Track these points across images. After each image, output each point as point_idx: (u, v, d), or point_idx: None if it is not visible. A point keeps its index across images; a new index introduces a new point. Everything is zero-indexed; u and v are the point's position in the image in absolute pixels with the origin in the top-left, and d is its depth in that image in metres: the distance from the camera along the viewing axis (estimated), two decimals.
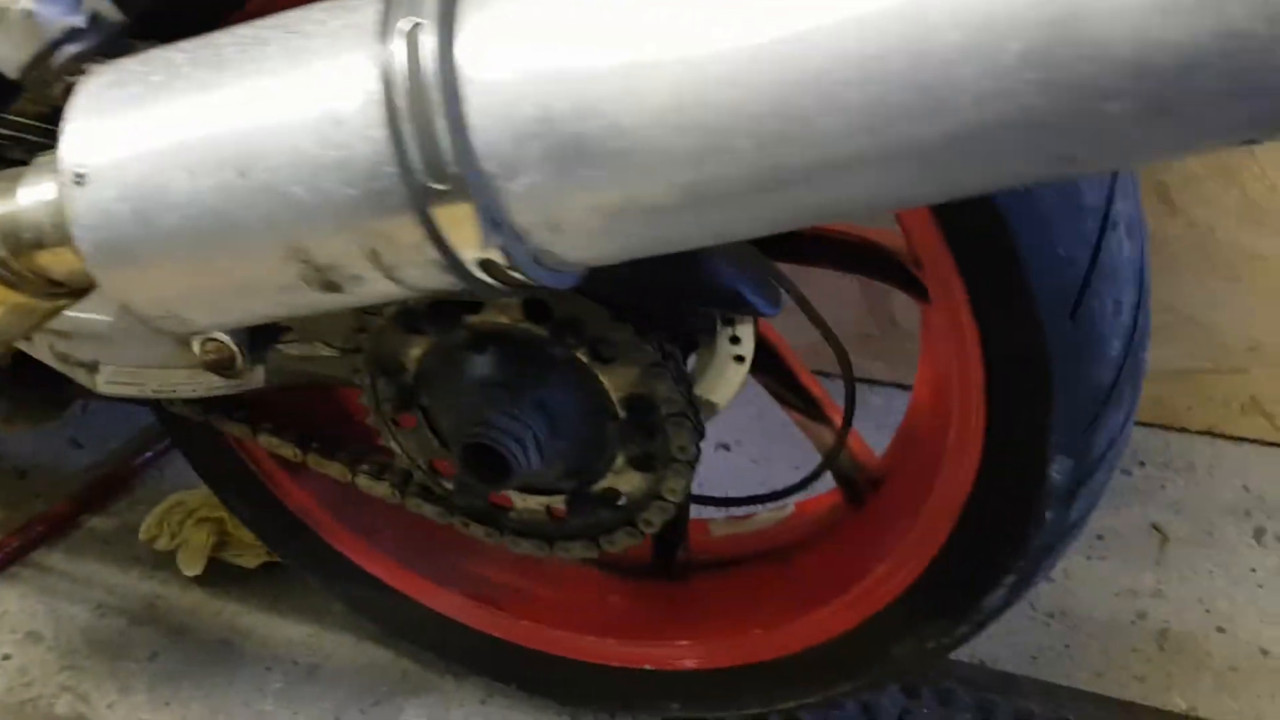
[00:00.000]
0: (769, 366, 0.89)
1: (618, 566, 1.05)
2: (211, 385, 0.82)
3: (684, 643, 0.97)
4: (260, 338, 0.77)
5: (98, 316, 0.75)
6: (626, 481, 0.79)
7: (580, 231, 0.46)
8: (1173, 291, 1.23)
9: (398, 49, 0.44)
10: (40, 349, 0.79)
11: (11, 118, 0.67)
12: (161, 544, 1.23)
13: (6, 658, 1.16)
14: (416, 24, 0.44)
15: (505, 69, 0.43)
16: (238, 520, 1.13)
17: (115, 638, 1.18)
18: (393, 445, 0.83)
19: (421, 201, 0.45)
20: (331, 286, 0.49)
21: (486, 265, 0.47)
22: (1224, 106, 0.36)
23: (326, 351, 0.82)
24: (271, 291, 0.50)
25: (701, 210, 0.44)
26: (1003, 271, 0.63)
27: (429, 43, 0.43)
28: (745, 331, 0.78)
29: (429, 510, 0.86)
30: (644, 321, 0.70)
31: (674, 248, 0.49)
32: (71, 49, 0.53)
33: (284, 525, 1.04)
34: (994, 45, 0.36)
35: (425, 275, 0.48)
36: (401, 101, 0.43)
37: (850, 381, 0.83)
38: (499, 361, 0.74)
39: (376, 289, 0.49)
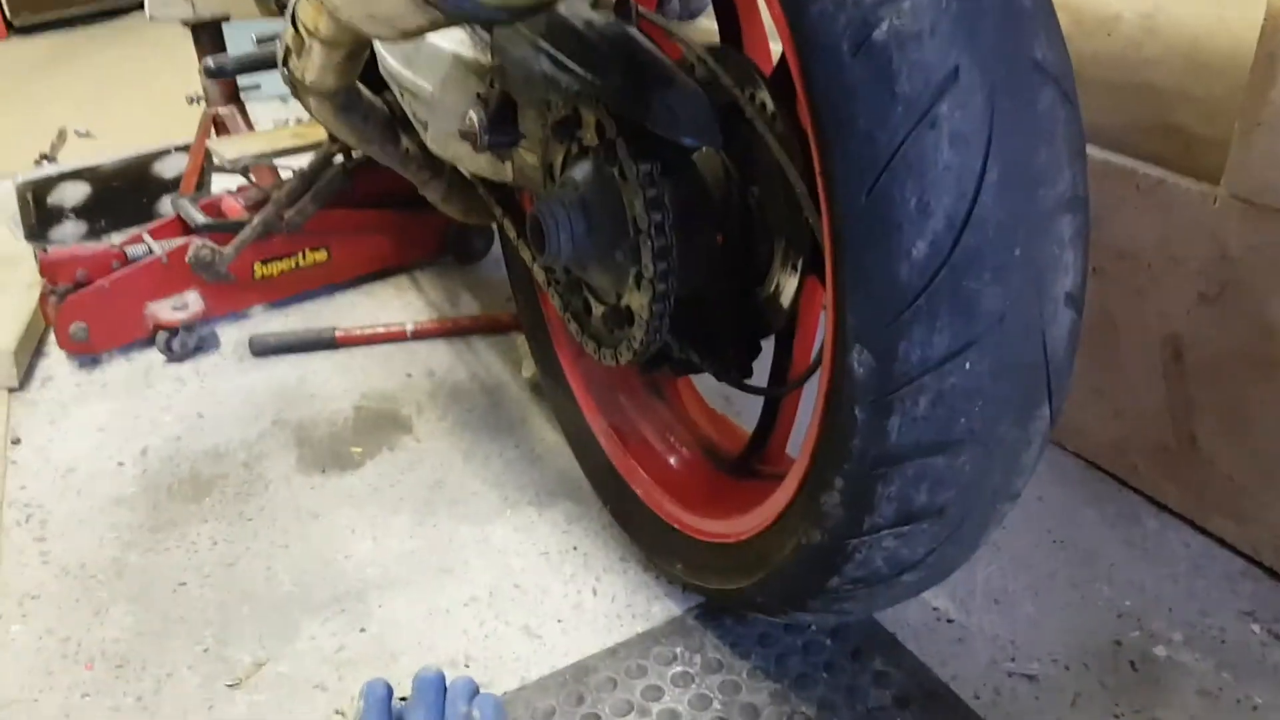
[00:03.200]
0: None
1: (717, 456, 1.20)
2: (480, 166, 1.20)
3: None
4: (498, 131, 1.12)
5: (425, 84, 1.17)
6: (634, 299, 0.98)
7: None
8: None
9: None
10: (406, 105, 1.24)
11: None
12: (519, 352, 1.66)
13: (409, 376, 1.69)
14: None
15: None
16: None
17: (464, 392, 1.63)
18: None
19: None
20: None
21: None
22: None
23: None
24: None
25: None
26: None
27: None
28: None
29: (557, 302, 1.14)
30: (643, 148, 0.91)
31: None
32: None
33: (539, 329, 1.39)
34: None
35: None
36: None
37: None
38: (579, 167, 1.00)
39: None
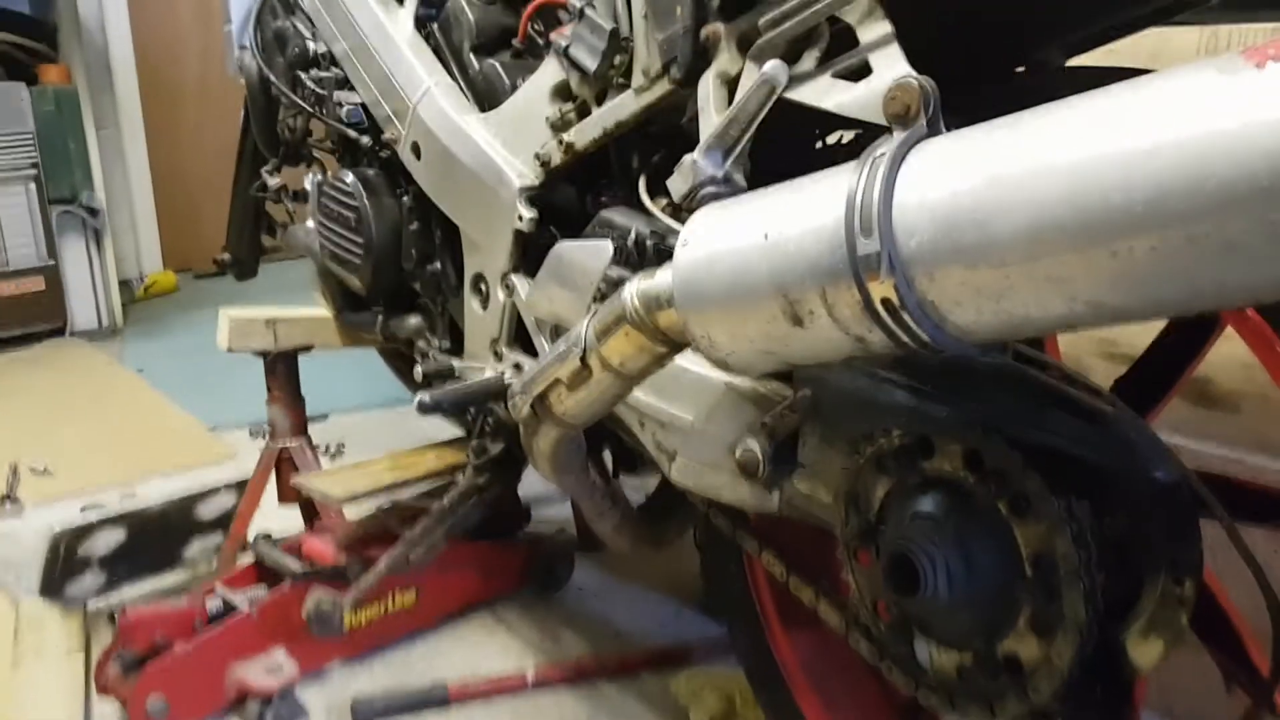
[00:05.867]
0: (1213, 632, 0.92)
1: None
2: (741, 497, 1.11)
3: None
4: (781, 462, 1.04)
5: (683, 414, 1.10)
6: (1026, 647, 0.88)
7: (950, 286, 0.67)
8: None
9: (863, 176, 0.72)
10: (646, 435, 1.16)
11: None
12: (682, 698, 1.49)
13: None
14: (876, 158, 0.72)
15: (920, 183, 0.69)
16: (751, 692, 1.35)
17: None
18: (849, 579, 1.02)
19: (854, 253, 0.71)
20: (797, 320, 0.77)
21: (888, 306, 0.70)
22: None
23: (825, 497, 1.06)
24: (762, 322, 0.79)
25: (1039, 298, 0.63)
26: None
27: (880, 169, 0.71)
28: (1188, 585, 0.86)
29: (865, 649, 1.02)
30: (1059, 479, 0.84)
31: (1030, 330, 0.68)
32: (709, 190, 0.91)
33: (768, 675, 1.24)
34: None
35: (853, 315, 0.73)
36: (858, 198, 0.71)
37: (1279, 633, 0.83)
38: (935, 500, 0.92)
39: (823, 326, 0.75)
